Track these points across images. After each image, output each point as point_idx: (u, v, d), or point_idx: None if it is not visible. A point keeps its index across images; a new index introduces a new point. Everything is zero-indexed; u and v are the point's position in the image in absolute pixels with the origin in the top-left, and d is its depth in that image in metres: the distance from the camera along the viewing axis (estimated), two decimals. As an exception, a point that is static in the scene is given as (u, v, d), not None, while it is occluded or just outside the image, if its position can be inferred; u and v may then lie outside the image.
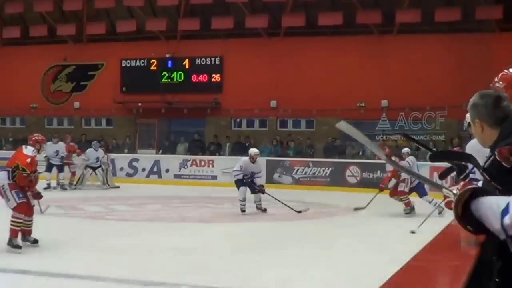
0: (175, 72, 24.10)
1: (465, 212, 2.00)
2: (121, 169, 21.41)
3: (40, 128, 24.74)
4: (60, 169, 17.87)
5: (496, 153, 2.28)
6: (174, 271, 7.04)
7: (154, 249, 8.35)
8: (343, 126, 2.50)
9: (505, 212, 1.80)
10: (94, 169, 18.75)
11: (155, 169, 21.46)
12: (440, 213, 11.18)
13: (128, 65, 24.77)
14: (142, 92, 23.88)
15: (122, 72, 24.79)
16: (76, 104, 25.63)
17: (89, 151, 18.83)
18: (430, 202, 12.11)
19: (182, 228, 11.07)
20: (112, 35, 24.94)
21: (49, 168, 17.71)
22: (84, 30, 25.24)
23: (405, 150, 13.69)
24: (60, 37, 25.74)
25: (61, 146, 18.13)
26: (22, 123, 26.94)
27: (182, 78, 23.98)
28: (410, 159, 13.20)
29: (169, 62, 24.21)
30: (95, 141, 19.60)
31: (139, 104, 24.27)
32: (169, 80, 24.12)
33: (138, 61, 24.64)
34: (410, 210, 12.56)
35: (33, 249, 8.18)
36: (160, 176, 21.18)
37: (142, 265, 7.28)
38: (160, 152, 23.48)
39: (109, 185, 18.89)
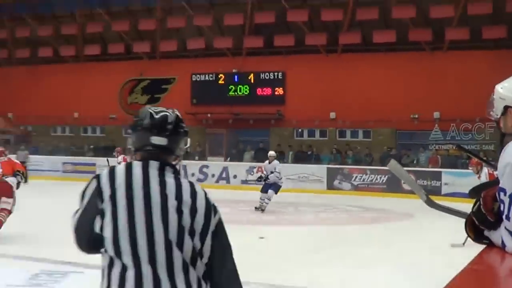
0: (241, 86, 27.39)
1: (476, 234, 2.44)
2: (192, 174, 24.28)
3: (118, 136, 28.76)
4: None
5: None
6: (242, 270, 9.34)
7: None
8: (392, 165, 2.89)
9: None
10: None
11: (223, 175, 24.35)
12: None
13: (198, 79, 28.21)
14: (211, 104, 27.23)
15: (192, 86, 28.27)
16: (150, 115, 29.23)
17: None
18: None
19: (249, 229, 11.94)
20: (183, 52, 28.43)
21: None
22: (158, 48, 28.89)
23: None
24: (136, 54, 29.54)
25: None
26: (102, 132, 30.93)
27: (248, 91, 27.24)
28: None
29: (236, 76, 27.51)
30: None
31: (208, 115, 27.61)
32: (236, 93, 27.44)
33: (207, 75, 28.04)
34: None
35: None
36: (228, 182, 23.83)
37: None
38: (228, 159, 26.53)
39: None
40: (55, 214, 13.63)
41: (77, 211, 2.52)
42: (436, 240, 10.51)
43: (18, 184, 10.92)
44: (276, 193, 15.64)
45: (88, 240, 2.45)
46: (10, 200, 10.59)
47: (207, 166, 24.83)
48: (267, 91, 27.01)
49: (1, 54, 32.43)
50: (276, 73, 26.86)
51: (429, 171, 21.62)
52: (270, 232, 12.13)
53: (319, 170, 23.30)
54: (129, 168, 2.45)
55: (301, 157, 25.01)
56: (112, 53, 29.89)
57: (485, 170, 11.53)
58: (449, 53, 24.00)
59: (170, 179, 2.44)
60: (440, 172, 21.45)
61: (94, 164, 26.16)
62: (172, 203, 2.36)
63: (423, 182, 21.12)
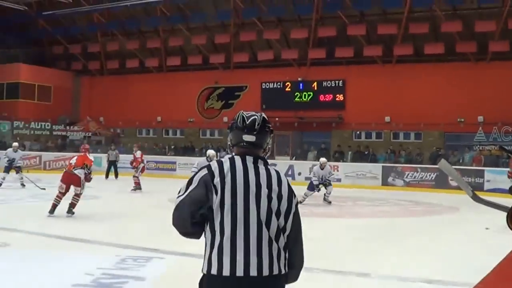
0: (305, 93, 30.56)
1: None
2: None
3: (196, 138, 32.52)
4: None
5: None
6: (307, 257, 9.37)
7: None
8: (442, 164, 3.08)
9: None
10: None
11: (289, 172, 26.10)
12: None
13: (267, 87, 31.54)
14: (279, 109, 30.26)
15: (262, 93, 31.62)
16: (225, 119, 32.57)
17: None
18: None
19: (312, 221, 12.27)
20: (254, 63, 31.89)
21: None
22: (231, 59, 32.46)
23: None
24: (212, 65, 33.20)
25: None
26: (182, 134, 34.66)
27: (311, 97, 30.36)
28: None
29: (301, 84, 30.72)
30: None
31: (276, 119, 30.28)
32: (301, 99, 30.64)
33: (275, 83, 31.32)
34: None
35: None
36: (293, 178, 25.34)
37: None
38: (294, 158, 29.28)
39: None
40: (141, 206, 15.64)
41: (181, 194, 2.97)
42: (480, 231, 11.08)
43: (86, 175, 12.51)
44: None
45: (185, 219, 2.87)
46: (79, 188, 12.46)
47: (275, 164, 26.51)
48: (329, 97, 30.05)
49: (94, 66, 36.95)
50: (337, 81, 29.86)
51: (473, 169, 23.37)
52: (331, 223, 12.84)
53: (375, 168, 25.55)
54: (232, 161, 2.92)
55: (359, 157, 27.41)
56: (191, 64, 33.67)
57: None
58: (492, 63, 26.43)
59: (262, 170, 2.92)
60: (483, 170, 23.05)
61: (174, 163, 29.55)
62: (264, 190, 2.86)
63: (467, 179, 22.33)
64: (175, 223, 2.97)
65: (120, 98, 35.25)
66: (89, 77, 37.95)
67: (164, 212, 12.14)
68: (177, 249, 8.28)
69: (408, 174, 24.57)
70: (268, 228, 2.83)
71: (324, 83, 30.16)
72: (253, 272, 2.76)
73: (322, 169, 16.92)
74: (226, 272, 2.77)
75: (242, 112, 3.12)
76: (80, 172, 12.42)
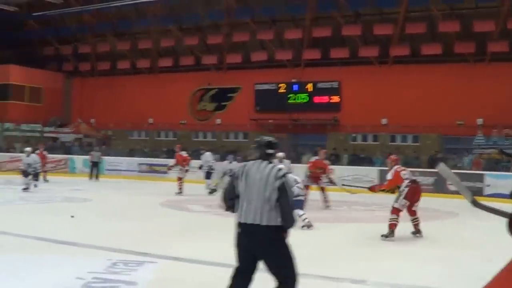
0: (300, 94, 29.86)
1: None
2: None
3: (188, 140, 31.62)
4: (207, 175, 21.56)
5: None
6: (301, 263, 6.96)
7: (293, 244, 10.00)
8: (441, 168, 3.13)
9: None
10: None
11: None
12: None
13: (260, 88, 30.82)
14: (273, 111, 29.78)
15: (255, 94, 30.91)
16: (218, 121, 32.01)
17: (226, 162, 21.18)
18: None
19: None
20: (247, 64, 31.19)
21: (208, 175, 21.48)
22: (224, 60, 31.76)
23: None
24: (204, 66, 32.48)
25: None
26: (174, 136, 33.80)
27: (306, 99, 29.68)
28: None
29: (295, 86, 30.00)
30: (230, 155, 22.21)
31: (270, 121, 30.15)
32: (295, 101, 29.94)
33: (269, 85, 30.61)
34: None
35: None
36: None
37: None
38: (289, 162, 28.81)
39: None
40: (131, 209, 15.24)
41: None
42: (479, 237, 10.95)
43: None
44: None
45: (229, 198, 4.79)
46: None
47: None
48: (324, 99, 29.38)
49: (85, 67, 36.15)
50: (332, 83, 29.20)
51: (472, 173, 22.56)
52: (326, 228, 12.54)
53: (372, 172, 24.49)
54: (250, 164, 4.72)
55: (355, 160, 26.73)
56: (183, 65, 32.96)
57: None
58: (491, 64, 25.75)
59: (267, 169, 4.63)
60: (483, 174, 22.22)
61: (166, 165, 28.71)
62: (264, 181, 4.57)
63: (466, 184, 21.76)
64: (224, 203, 4.91)
65: (112, 99, 34.50)
66: (80, 79, 37.14)
67: (156, 215, 12.68)
68: (169, 253, 8.41)
69: (406, 178, 23.72)
70: (268, 202, 4.58)
71: (319, 85, 29.59)
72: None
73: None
74: None
75: (263, 137, 4.95)
76: None
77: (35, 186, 19.39)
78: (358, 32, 27.87)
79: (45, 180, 22.65)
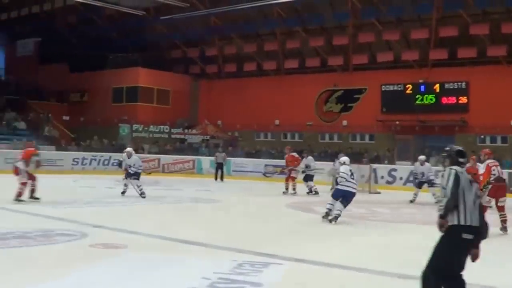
0: (427, 95, 33.91)
1: None
2: (382, 177, 28.84)
3: (314, 142, 36.65)
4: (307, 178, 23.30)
5: None
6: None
7: (409, 246, 10.83)
8: None
9: None
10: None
11: (410, 178, 26.78)
12: None
13: (387, 89, 35.21)
14: (399, 112, 33.90)
15: (382, 95, 35.32)
16: (344, 122, 36.75)
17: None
18: None
19: (430, 229, 13.72)
20: (373, 64, 35.69)
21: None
22: (350, 61, 36.44)
23: None
24: (330, 67, 37.42)
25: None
26: (300, 137, 38.92)
27: (433, 100, 33.62)
28: None
29: (422, 86, 34.11)
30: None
31: (397, 122, 34.28)
32: (422, 102, 33.98)
33: (395, 86, 34.90)
34: None
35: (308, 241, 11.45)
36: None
37: (398, 260, 9.47)
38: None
39: (370, 191, 24.81)
40: (256, 209, 17.69)
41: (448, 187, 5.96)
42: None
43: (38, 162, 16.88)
44: None
45: (455, 201, 5.84)
46: (20, 176, 16.41)
47: (395, 170, 29.66)
48: (452, 100, 33.19)
49: (211, 69, 42.52)
50: (460, 83, 32.95)
51: None
52: None
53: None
54: (459, 172, 5.94)
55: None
56: (309, 66, 38.10)
57: None
58: None
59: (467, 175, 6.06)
60: None
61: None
62: (469, 186, 6.00)
63: None
64: (449, 206, 5.98)
65: (238, 101, 40.21)
66: (207, 81, 43.41)
67: (282, 216, 15.74)
68: (294, 254, 9.36)
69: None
70: (476, 202, 6.06)
71: (447, 85, 33.31)
72: None
73: (421, 165, 20.97)
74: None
75: (453, 146, 6.48)
76: (20, 164, 16.42)
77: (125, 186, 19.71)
78: (486, 31, 31.27)
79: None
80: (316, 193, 22.41)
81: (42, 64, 46.49)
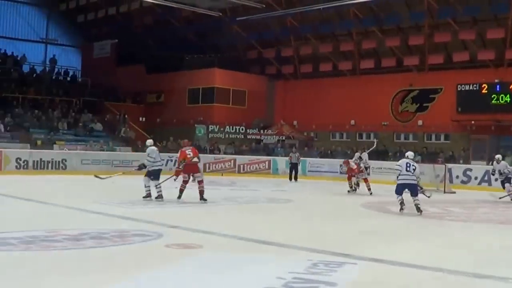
0: (503, 95, 36.58)
1: None
2: (457, 177, 30.76)
3: (389, 142, 40.15)
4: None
5: None
6: (503, 266, 9.13)
7: (487, 246, 11.74)
8: None
9: None
10: None
11: (485, 178, 30.12)
12: None
13: (462, 89, 38.02)
14: (475, 112, 36.75)
15: (457, 95, 38.08)
16: (419, 122, 40.10)
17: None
18: None
19: (506, 228, 15.28)
20: (449, 64, 38.87)
21: None
22: (426, 61, 39.68)
23: None
24: (405, 67, 40.78)
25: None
26: (375, 137, 41.25)
27: (509, 100, 36.29)
28: None
29: (498, 86, 36.91)
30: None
31: (472, 122, 37.23)
32: (498, 101, 36.70)
33: (471, 85, 37.64)
34: None
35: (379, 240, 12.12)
36: (490, 184, 29.40)
37: (475, 259, 10.19)
38: (491, 163, 32.73)
39: (445, 191, 26.81)
40: (332, 209, 19.19)
41: None
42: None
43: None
44: None
45: None
46: (199, 174, 18.38)
47: (470, 170, 31.61)
48: (529, 99, 36.09)
49: (288, 70, 46.43)
50: (536, 83, 35.85)
51: None
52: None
53: None
54: None
55: None
56: (385, 66, 41.46)
57: None
58: None
59: None
60: None
61: (369, 167, 36.32)
62: None
63: None
64: None
65: (313, 101, 43.79)
66: (283, 81, 47.42)
67: (357, 216, 17.33)
68: (369, 254, 9.89)
69: None
70: None
71: (523, 85, 36.09)
72: None
73: (497, 163, 23.75)
74: None
75: None
76: (196, 161, 18.71)
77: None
78: None
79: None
80: (354, 190, 25.40)
81: (119, 66, 50.94)
